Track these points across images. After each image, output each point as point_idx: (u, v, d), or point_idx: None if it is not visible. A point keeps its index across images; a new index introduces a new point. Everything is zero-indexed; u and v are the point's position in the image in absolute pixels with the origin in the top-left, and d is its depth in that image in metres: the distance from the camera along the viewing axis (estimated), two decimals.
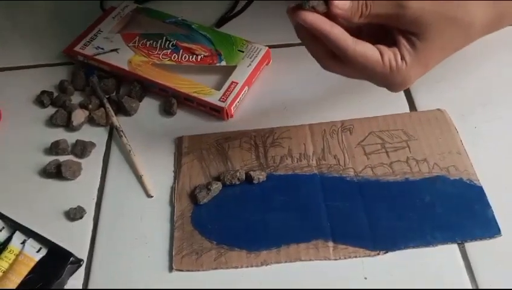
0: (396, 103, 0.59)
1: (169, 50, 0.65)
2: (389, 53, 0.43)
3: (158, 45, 0.65)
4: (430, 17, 0.42)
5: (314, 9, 0.41)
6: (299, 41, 0.68)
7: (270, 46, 0.65)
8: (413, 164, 0.54)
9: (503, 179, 0.52)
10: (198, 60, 0.64)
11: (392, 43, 0.44)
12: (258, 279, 0.47)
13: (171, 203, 0.53)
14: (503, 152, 0.54)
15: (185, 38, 0.66)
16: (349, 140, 0.56)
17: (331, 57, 0.44)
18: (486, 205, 0.50)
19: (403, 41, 0.43)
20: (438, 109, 0.58)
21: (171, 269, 0.48)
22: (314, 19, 0.42)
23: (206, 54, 0.64)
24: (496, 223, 0.49)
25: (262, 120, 0.59)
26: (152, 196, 0.54)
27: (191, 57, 0.64)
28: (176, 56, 0.64)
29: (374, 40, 0.44)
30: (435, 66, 0.46)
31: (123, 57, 0.64)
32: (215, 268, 0.48)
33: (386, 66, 0.43)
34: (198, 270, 0.48)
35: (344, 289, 0.46)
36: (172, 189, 0.54)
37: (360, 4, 0.42)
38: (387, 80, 0.45)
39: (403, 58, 0.43)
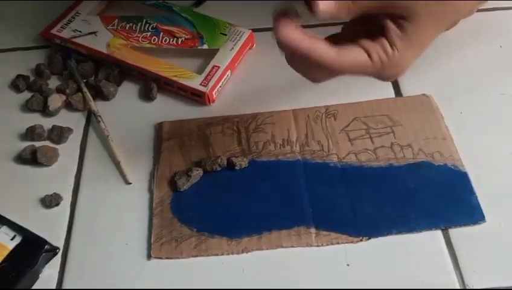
0: (382, 88, 0.59)
1: (149, 33, 0.64)
2: (376, 48, 0.41)
3: (138, 27, 0.64)
4: None
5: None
6: None
7: (254, 30, 0.64)
8: (398, 149, 0.54)
9: (488, 165, 0.52)
10: (179, 43, 0.63)
11: (377, 31, 0.42)
12: (239, 266, 0.47)
13: (150, 190, 0.52)
14: (489, 138, 0.55)
15: (165, 20, 0.65)
16: (333, 126, 0.56)
17: (317, 69, 0.42)
18: (470, 191, 0.50)
19: (392, 27, 0.41)
20: (424, 94, 0.58)
21: (149, 257, 0.48)
22: (290, 38, 0.40)
23: (187, 36, 0.63)
24: (480, 209, 0.49)
25: (245, 105, 0.59)
26: (130, 183, 0.53)
27: (171, 40, 0.63)
28: (156, 39, 0.63)
29: (356, 32, 0.43)
30: (429, 46, 0.44)
31: (101, 40, 0.63)
32: (195, 256, 0.48)
33: (376, 64, 0.42)
34: (178, 257, 0.48)
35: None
36: (152, 175, 0.53)
37: (345, 3, 0.40)
38: (381, 74, 0.43)
39: (393, 45, 0.41)
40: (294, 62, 0.44)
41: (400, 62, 0.42)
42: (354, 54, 0.41)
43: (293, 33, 0.40)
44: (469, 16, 0.47)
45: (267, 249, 0.48)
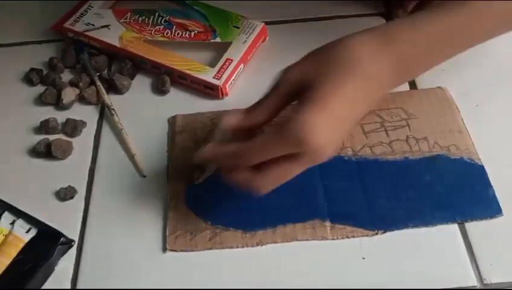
0: None
1: (162, 26, 0.64)
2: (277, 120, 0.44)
3: (150, 20, 0.64)
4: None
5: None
6: (296, 17, 0.68)
7: (267, 23, 0.64)
8: (413, 142, 0.53)
9: (505, 158, 0.52)
10: (192, 36, 0.63)
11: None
12: (254, 259, 0.47)
13: (165, 183, 0.52)
14: (505, 131, 0.54)
15: (178, 14, 0.65)
16: None
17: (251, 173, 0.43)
18: (487, 184, 0.50)
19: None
20: (439, 87, 0.58)
21: (164, 249, 0.48)
22: (207, 157, 0.45)
23: (200, 30, 0.63)
24: (497, 202, 0.49)
25: (258, 98, 0.59)
26: (145, 176, 0.53)
27: (184, 33, 0.63)
28: (169, 32, 0.63)
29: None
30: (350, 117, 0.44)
31: (114, 33, 0.63)
32: (210, 248, 0.48)
33: (279, 132, 0.41)
34: (193, 250, 0.48)
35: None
36: (166, 168, 0.54)
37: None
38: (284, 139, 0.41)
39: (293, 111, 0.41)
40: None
41: (302, 122, 0.40)
42: (264, 140, 0.42)
43: (208, 154, 0.45)
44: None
45: (282, 242, 0.48)
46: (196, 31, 0.63)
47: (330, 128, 0.41)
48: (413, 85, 0.59)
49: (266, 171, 0.43)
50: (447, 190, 0.50)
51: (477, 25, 0.47)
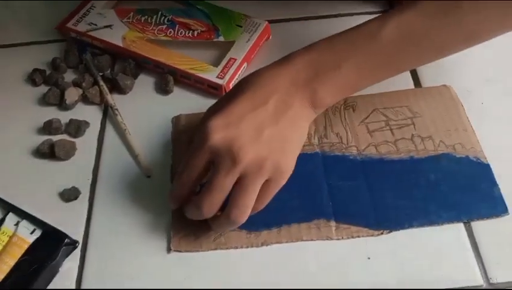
0: (401, 79, 0.58)
1: (165, 25, 0.64)
2: None
3: (153, 20, 0.64)
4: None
5: None
6: (299, 16, 0.68)
7: (270, 21, 0.64)
8: (418, 141, 0.53)
9: (511, 156, 0.52)
10: (195, 35, 0.63)
11: None
12: (258, 260, 0.47)
13: (169, 183, 0.52)
14: (511, 129, 0.54)
15: (181, 13, 0.65)
16: (352, 117, 0.56)
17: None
18: (493, 183, 0.50)
19: None
20: (444, 85, 0.58)
21: (169, 250, 0.48)
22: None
23: (203, 29, 0.63)
24: (503, 201, 0.49)
25: None
26: (149, 176, 0.53)
27: (187, 32, 0.63)
28: (172, 32, 0.63)
29: None
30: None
31: (117, 33, 0.63)
32: (214, 249, 0.48)
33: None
34: (197, 251, 0.48)
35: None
36: (170, 169, 0.53)
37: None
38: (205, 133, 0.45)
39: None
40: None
41: (206, 121, 0.46)
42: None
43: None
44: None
45: (287, 242, 0.48)
46: (199, 30, 0.63)
47: (225, 125, 0.45)
48: (417, 83, 0.59)
49: (202, 190, 0.46)
50: (452, 188, 0.50)
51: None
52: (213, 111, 0.47)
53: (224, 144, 0.44)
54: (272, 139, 0.45)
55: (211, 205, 0.45)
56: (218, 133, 0.44)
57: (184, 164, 0.47)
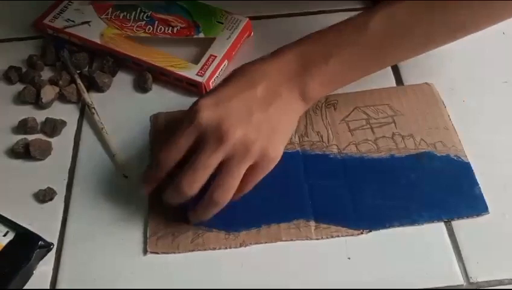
0: (383, 77, 0.58)
1: (144, 22, 0.63)
2: None
3: (132, 16, 0.63)
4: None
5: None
6: (281, 12, 0.67)
7: (251, 18, 0.64)
8: (399, 139, 0.53)
9: (492, 155, 0.52)
10: (175, 32, 0.62)
11: None
12: (238, 260, 0.47)
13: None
14: (492, 127, 0.54)
15: (160, 9, 0.64)
16: (333, 116, 0.55)
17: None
18: (473, 182, 0.50)
19: None
20: (426, 83, 0.58)
21: (145, 251, 0.47)
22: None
23: (183, 25, 0.62)
24: (484, 200, 0.49)
25: None
26: (126, 177, 0.52)
27: (166, 29, 0.62)
28: (151, 28, 0.62)
29: None
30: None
31: (95, 30, 0.62)
32: (192, 250, 0.47)
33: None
34: (174, 252, 0.47)
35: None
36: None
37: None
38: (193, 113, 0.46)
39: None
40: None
41: (197, 103, 0.47)
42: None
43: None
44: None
45: (266, 242, 0.47)
46: (179, 27, 0.62)
47: (214, 103, 0.46)
48: (399, 81, 0.58)
49: (186, 167, 0.45)
50: (433, 187, 0.50)
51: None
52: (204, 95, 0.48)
53: (214, 121, 0.45)
54: (261, 124, 0.46)
55: (192, 184, 0.45)
56: (208, 111, 0.45)
57: (164, 144, 0.47)
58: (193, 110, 0.46)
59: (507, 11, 0.47)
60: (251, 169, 0.46)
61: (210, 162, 0.44)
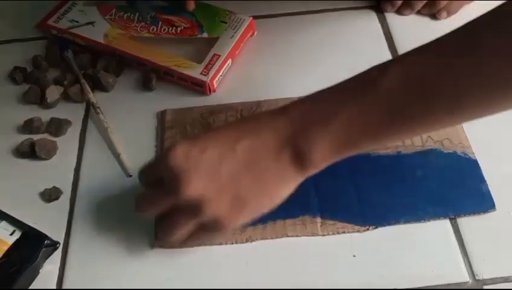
0: None
1: (148, 22, 0.64)
2: None
3: (136, 17, 0.64)
4: None
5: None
6: (284, 11, 0.68)
7: (255, 17, 0.64)
8: None
9: (499, 152, 0.52)
10: (178, 32, 0.63)
11: None
12: (243, 256, 0.47)
13: None
14: (499, 124, 0.54)
15: (164, 9, 0.65)
16: None
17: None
18: (480, 179, 0.50)
19: None
20: None
21: (152, 247, 0.48)
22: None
23: (187, 25, 0.63)
24: (491, 197, 0.49)
25: (248, 94, 0.59)
26: (131, 175, 0.53)
27: (170, 29, 0.63)
28: (155, 28, 0.63)
29: None
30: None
31: (99, 30, 0.63)
32: (199, 245, 0.48)
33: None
34: (181, 247, 0.48)
35: None
36: None
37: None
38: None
39: None
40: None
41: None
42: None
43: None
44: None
45: (272, 238, 0.48)
46: (182, 27, 0.63)
47: (186, 150, 0.42)
48: None
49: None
50: (439, 184, 0.50)
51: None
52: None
53: (176, 169, 0.41)
54: (226, 188, 0.41)
55: (144, 208, 0.46)
56: (177, 156, 0.42)
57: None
58: (166, 150, 0.43)
59: None
60: (204, 226, 0.43)
61: (160, 202, 0.44)
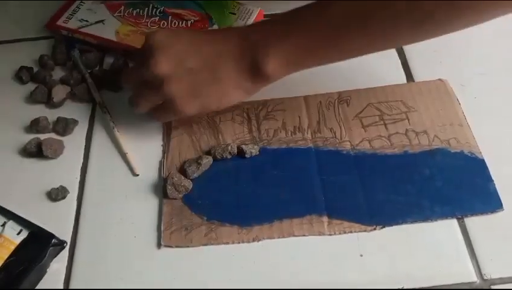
0: (393, 73, 0.60)
1: (158, 17, 0.64)
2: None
3: (145, 13, 0.65)
4: None
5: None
6: (294, 1, 0.68)
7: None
8: (413, 136, 0.54)
9: (506, 151, 0.53)
10: (189, 25, 0.63)
11: None
12: (250, 255, 0.48)
13: (159, 179, 0.53)
14: (505, 124, 0.55)
15: (172, 4, 0.65)
16: (346, 112, 0.56)
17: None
18: (488, 178, 0.50)
19: None
20: (439, 79, 0.58)
21: (159, 245, 0.49)
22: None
23: (196, 18, 0.64)
24: (498, 197, 0.49)
25: None
26: (137, 175, 0.54)
27: (180, 22, 0.64)
28: (165, 23, 0.64)
29: None
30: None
31: (110, 28, 0.64)
32: (205, 244, 0.48)
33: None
34: (188, 246, 0.48)
35: None
36: (161, 164, 0.54)
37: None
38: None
39: None
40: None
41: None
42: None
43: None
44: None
45: (279, 237, 0.48)
46: (192, 20, 0.64)
47: (167, 34, 0.52)
48: (410, 77, 0.59)
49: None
50: (446, 184, 0.50)
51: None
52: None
53: (151, 47, 0.50)
54: (189, 76, 0.50)
55: (127, 79, 0.56)
56: (159, 36, 0.51)
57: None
58: (151, 33, 0.52)
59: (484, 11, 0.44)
60: (162, 105, 0.53)
61: (133, 74, 0.55)
